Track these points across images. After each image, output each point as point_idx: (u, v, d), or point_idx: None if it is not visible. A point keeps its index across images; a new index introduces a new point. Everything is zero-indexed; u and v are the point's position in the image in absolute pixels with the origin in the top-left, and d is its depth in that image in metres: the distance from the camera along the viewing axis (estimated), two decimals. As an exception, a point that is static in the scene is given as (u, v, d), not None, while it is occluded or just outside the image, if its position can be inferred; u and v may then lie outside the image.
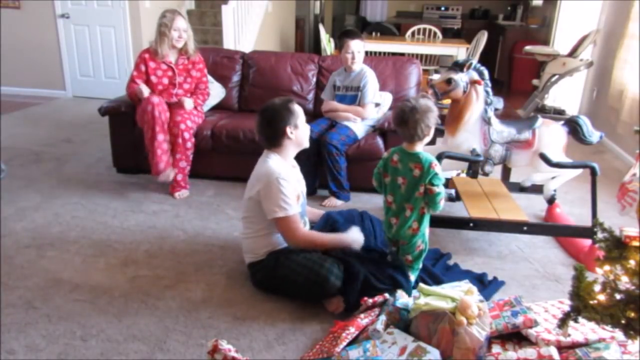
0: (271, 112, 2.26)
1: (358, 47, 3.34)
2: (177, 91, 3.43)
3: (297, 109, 2.29)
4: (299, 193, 2.30)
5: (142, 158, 3.57)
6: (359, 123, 3.38)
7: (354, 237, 2.30)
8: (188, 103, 3.39)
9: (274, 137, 2.27)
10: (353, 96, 3.42)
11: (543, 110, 5.78)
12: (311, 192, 3.45)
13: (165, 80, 3.42)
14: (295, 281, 2.18)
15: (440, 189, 2.10)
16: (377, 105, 3.51)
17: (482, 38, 6.42)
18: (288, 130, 2.24)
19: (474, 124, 2.71)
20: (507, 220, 2.68)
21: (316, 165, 3.37)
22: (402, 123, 2.10)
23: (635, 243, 1.47)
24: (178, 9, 6.04)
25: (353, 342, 1.88)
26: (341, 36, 3.42)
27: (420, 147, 2.13)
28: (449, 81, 2.66)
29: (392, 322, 1.93)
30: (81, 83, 6.11)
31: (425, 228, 2.22)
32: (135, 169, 3.70)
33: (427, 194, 2.10)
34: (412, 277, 2.25)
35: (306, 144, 2.37)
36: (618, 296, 1.49)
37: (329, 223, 2.53)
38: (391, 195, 2.18)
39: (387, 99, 3.71)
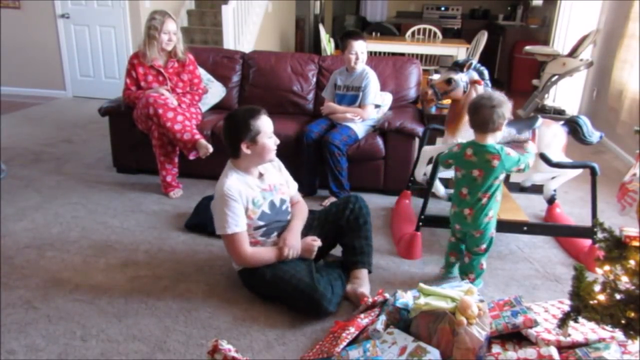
0: (229, 123, 2.23)
1: (361, 47, 3.34)
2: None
3: (259, 124, 2.18)
4: (249, 208, 2.20)
5: (142, 158, 3.57)
6: (359, 123, 3.38)
7: (291, 246, 2.24)
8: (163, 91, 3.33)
9: (231, 148, 2.23)
10: (353, 96, 3.42)
11: (543, 110, 5.77)
12: (311, 192, 3.45)
13: (156, 86, 3.38)
14: (288, 299, 2.19)
15: (524, 163, 2.24)
16: (377, 106, 3.51)
17: (482, 38, 6.42)
18: (243, 145, 2.18)
19: (474, 124, 2.70)
20: (507, 220, 2.68)
21: (316, 165, 3.36)
22: (476, 111, 2.19)
23: (635, 243, 1.46)
24: (178, 9, 6.11)
25: (353, 342, 1.88)
26: (344, 37, 3.40)
27: (492, 140, 2.21)
28: (448, 81, 2.66)
29: (392, 322, 1.93)
30: (81, 83, 6.11)
31: (495, 215, 2.31)
32: (135, 169, 3.70)
33: (517, 171, 2.29)
34: (484, 265, 2.37)
35: (269, 159, 2.28)
36: (618, 296, 1.49)
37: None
38: (466, 188, 2.26)
39: (387, 99, 3.71)
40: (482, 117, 2.16)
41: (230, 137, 2.21)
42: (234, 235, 2.17)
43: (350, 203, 2.42)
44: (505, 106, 2.18)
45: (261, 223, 2.26)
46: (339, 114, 3.41)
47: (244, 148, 2.19)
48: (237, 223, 2.17)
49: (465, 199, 2.26)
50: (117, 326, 2.08)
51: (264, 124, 2.21)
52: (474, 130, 2.25)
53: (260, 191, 2.26)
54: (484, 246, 2.33)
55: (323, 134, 3.31)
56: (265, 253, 2.25)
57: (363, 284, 2.32)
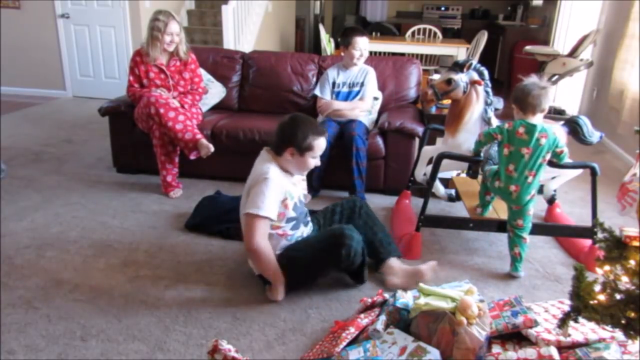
0: (292, 125, 2.25)
1: (365, 44, 3.37)
2: (172, 94, 3.41)
3: (315, 143, 2.24)
4: (287, 198, 2.24)
5: (142, 158, 3.57)
6: (363, 117, 3.42)
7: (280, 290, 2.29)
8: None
9: (278, 145, 2.27)
10: (357, 92, 3.47)
11: (543, 110, 5.77)
12: (316, 192, 3.44)
13: (158, 83, 3.40)
14: (324, 252, 2.24)
15: (564, 147, 2.40)
16: (375, 99, 3.58)
17: (482, 38, 6.42)
18: (289, 150, 2.22)
19: (474, 124, 2.70)
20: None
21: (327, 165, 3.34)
22: (529, 93, 2.32)
23: (635, 243, 1.46)
24: (178, 9, 6.11)
25: (353, 342, 1.88)
26: (348, 32, 3.39)
27: (539, 120, 2.36)
28: (448, 81, 2.66)
29: (392, 322, 1.93)
30: (81, 83, 6.11)
31: (536, 193, 2.46)
32: (135, 169, 3.70)
33: (557, 155, 2.40)
34: (527, 239, 2.50)
35: (302, 173, 2.40)
36: (618, 296, 1.49)
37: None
38: (513, 165, 2.38)
39: (380, 96, 3.74)
40: (535, 98, 2.31)
41: (283, 136, 2.25)
42: (264, 218, 2.17)
43: (356, 201, 2.57)
44: (550, 90, 2.35)
45: (294, 215, 2.30)
46: (346, 111, 3.40)
47: (288, 153, 2.23)
48: (271, 209, 2.18)
49: (512, 176, 2.39)
50: (117, 326, 2.08)
51: (318, 146, 2.27)
52: (524, 112, 2.35)
53: (292, 184, 2.33)
54: (521, 221, 2.45)
55: (339, 134, 3.27)
56: (267, 258, 2.22)
57: (396, 272, 2.39)
